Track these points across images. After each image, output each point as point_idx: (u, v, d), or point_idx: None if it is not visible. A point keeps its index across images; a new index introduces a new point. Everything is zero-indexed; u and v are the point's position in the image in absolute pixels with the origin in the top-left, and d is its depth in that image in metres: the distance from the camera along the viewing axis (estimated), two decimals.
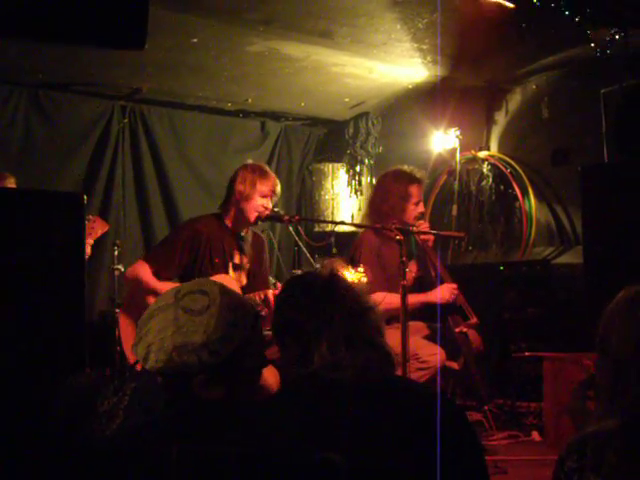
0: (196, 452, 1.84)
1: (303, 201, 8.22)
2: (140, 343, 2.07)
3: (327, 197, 7.76)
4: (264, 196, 4.60)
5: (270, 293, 4.36)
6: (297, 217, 4.89)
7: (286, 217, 4.72)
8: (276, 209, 5.39)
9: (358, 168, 7.76)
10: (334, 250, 7.67)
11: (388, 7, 5.16)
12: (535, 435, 5.33)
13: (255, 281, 4.70)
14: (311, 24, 5.38)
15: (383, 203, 5.14)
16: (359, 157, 7.77)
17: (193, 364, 2.00)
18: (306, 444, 1.79)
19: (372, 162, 7.79)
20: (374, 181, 7.67)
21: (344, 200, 7.77)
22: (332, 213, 7.72)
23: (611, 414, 1.80)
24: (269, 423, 1.91)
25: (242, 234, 4.71)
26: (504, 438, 5.30)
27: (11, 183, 4.63)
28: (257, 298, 4.41)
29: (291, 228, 6.32)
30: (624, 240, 5.42)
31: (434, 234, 5.00)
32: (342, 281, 2.19)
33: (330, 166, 7.83)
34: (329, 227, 7.68)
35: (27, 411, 2.26)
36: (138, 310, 4.50)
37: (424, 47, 5.87)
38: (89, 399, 2.09)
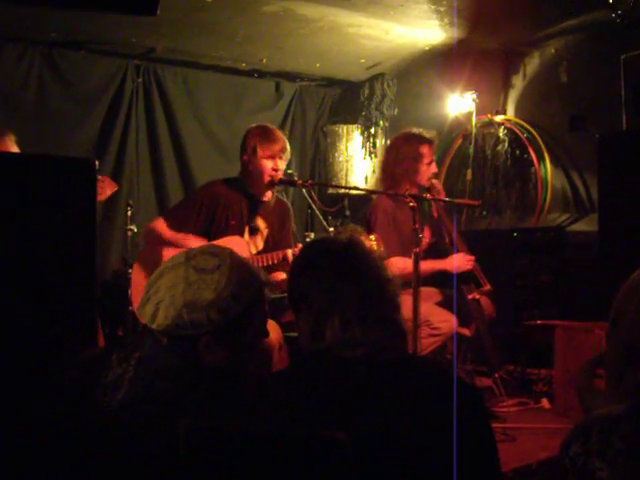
0: (204, 428, 1.85)
1: (317, 162, 8.19)
2: (148, 303, 2.09)
3: (341, 159, 7.71)
4: (270, 157, 4.56)
5: (290, 252, 4.34)
6: (310, 181, 4.87)
7: (299, 181, 4.69)
8: (290, 171, 5.37)
9: (373, 130, 7.69)
10: (347, 212, 7.67)
11: None
12: (545, 402, 5.32)
13: (275, 246, 4.67)
14: None
15: (396, 166, 5.13)
16: (374, 119, 7.70)
17: (201, 322, 2.04)
18: (316, 423, 1.78)
19: (387, 124, 7.72)
20: (389, 143, 7.64)
21: (358, 162, 7.70)
22: (346, 175, 7.67)
23: (619, 398, 1.78)
24: (279, 400, 1.90)
25: (264, 199, 4.69)
26: (514, 405, 5.29)
27: (11, 140, 4.57)
28: (274, 258, 4.40)
29: (304, 191, 6.33)
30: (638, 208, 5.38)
31: (448, 201, 4.96)
32: (360, 251, 2.13)
33: (345, 128, 7.75)
34: (343, 190, 7.65)
35: (35, 380, 2.26)
36: (153, 264, 4.52)
37: (441, 9, 5.79)
38: (94, 371, 2.09)
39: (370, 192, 5.10)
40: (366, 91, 7.79)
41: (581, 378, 2.32)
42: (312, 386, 1.89)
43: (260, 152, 4.52)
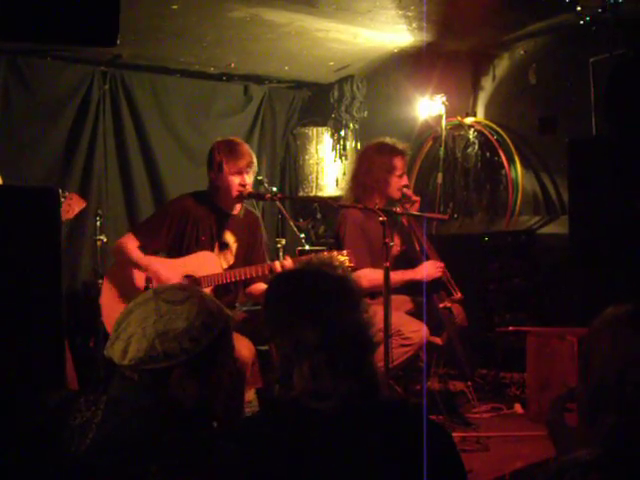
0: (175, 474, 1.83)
1: (287, 165, 8.12)
2: (117, 340, 2.07)
3: (311, 161, 7.68)
4: (237, 173, 4.53)
5: (278, 265, 4.31)
6: (280, 195, 4.84)
7: (268, 195, 4.67)
8: (260, 177, 5.34)
9: (343, 132, 7.67)
10: (319, 215, 7.66)
11: None
12: (518, 408, 5.35)
13: (245, 260, 4.65)
14: None
15: (367, 176, 5.11)
16: (344, 121, 7.67)
17: (175, 352, 2.01)
18: (285, 476, 1.75)
19: (357, 126, 7.69)
20: (359, 146, 7.61)
21: (329, 164, 7.69)
22: (316, 178, 7.65)
23: (590, 441, 1.76)
24: (248, 450, 1.86)
25: (233, 213, 4.65)
26: (487, 411, 5.31)
27: None
28: (260, 272, 4.38)
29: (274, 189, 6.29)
30: (609, 213, 5.41)
31: (417, 215, 4.95)
32: (329, 291, 2.03)
33: (315, 130, 7.73)
34: (313, 192, 7.63)
35: None
36: (122, 280, 4.51)
37: (409, 14, 5.75)
38: (62, 415, 2.05)
39: (340, 206, 5.06)
40: (335, 93, 7.75)
41: (552, 413, 2.31)
42: (281, 438, 1.85)
43: (226, 168, 4.49)
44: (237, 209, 4.67)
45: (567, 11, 5.64)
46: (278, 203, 4.86)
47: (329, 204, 6.45)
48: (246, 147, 4.64)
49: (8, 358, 2.34)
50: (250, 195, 4.59)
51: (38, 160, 6.41)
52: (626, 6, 5.20)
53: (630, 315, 1.84)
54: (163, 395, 2.04)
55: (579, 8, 5.16)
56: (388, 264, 4.00)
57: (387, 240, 4.01)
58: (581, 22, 5.23)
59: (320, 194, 7.63)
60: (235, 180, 4.50)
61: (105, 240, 5.93)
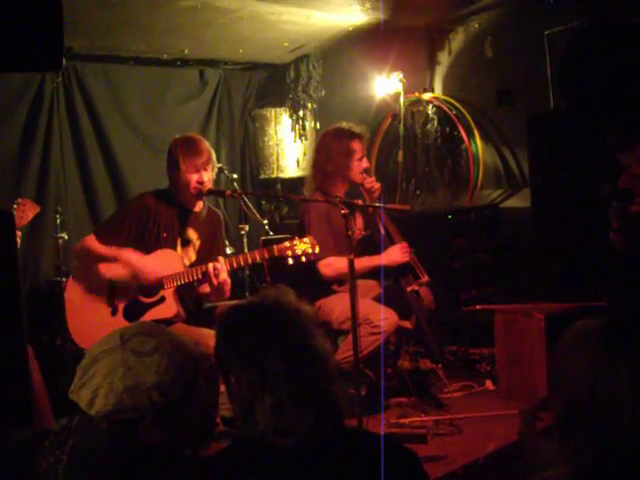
0: None
1: (247, 148, 8.06)
2: (84, 387, 2.03)
3: (271, 143, 7.63)
4: (195, 171, 4.47)
5: (210, 266, 4.27)
6: (240, 191, 4.81)
7: (227, 191, 4.64)
8: (219, 164, 5.28)
9: (301, 112, 7.61)
10: (280, 196, 7.62)
11: None
12: (489, 384, 5.38)
13: (206, 257, 4.59)
14: None
15: (327, 163, 5.08)
16: (302, 101, 7.61)
17: (144, 405, 2.00)
18: None
19: (315, 106, 7.64)
20: (318, 125, 7.57)
21: (289, 145, 7.64)
22: (277, 159, 7.60)
23: (563, 457, 1.77)
24: None
25: (195, 210, 4.61)
26: (458, 389, 5.33)
27: None
28: (198, 272, 4.35)
29: (235, 184, 6.24)
30: (570, 185, 5.44)
31: (378, 207, 4.92)
32: (287, 317, 1.99)
33: (273, 111, 7.67)
34: (274, 174, 7.59)
35: None
36: (89, 281, 4.46)
37: None
38: (26, 458, 2.02)
39: (302, 200, 5.03)
40: (292, 73, 7.68)
41: (523, 423, 2.31)
42: (246, 475, 1.83)
43: (183, 166, 4.42)
44: (199, 206, 4.63)
45: None
46: (240, 199, 4.80)
47: (291, 200, 6.41)
48: (205, 144, 4.57)
49: None
50: (209, 192, 4.54)
51: None
52: None
53: (602, 329, 1.84)
54: (131, 440, 2.01)
55: None
56: (352, 256, 3.96)
57: (349, 233, 3.98)
58: (535, 2, 5.18)
59: (282, 175, 7.59)
60: (193, 177, 4.44)
61: (66, 237, 5.85)
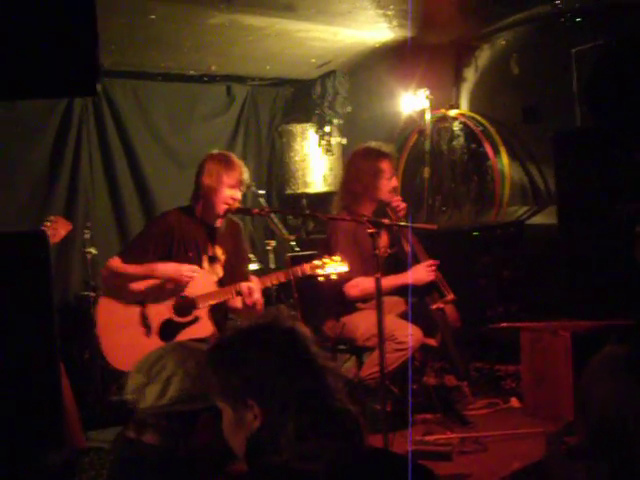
0: None
1: (274, 164, 8.10)
2: (152, 383, 2.06)
3: (297, 158, 7.66)
4: (232, 187, 4.52)
5: (244, 286, 4.33)
6: (267, 209, 4.84)
7: (255, 210, 4.68)
8: (251, 183, 5.33)
9: (327, 128, 7.62)
10: (307, 211, 7.64)
11: None
12: (514, 402, 5.37)
13: (232, 272, 4.65)
14: None
15: (356, 183, 5.11)
16: (328, 117, 7.62)
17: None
18: None
19: (341, 122, 7.66)
20: (344, 141, 7.60)
21: (315, 160, 7.66)
22: (303, 175, 7.62)
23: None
24: None
25: (216, 225, 4.63)
26: (484, 407, 5.33)
27: None
28: (232, 292, 4.39)
29: (262, 200, 6.29)
30: (597, 202, 5.43)
31: (403, 226, 4.95)
32: (304, 340, 1.98)
33: (299, 127, 7.70)
34: (300, 189, 7.61)
35: None
36: (119, 300, 4.49)
37: (389, 13, 5.76)
38: (67, 477, 2.06)
39: (329, 218, 5.05)
40: (318, 89, 7.70)
41: (550, 448, 2.32)
42: None
43: (225, 179, 4.47)
44: (220, 221, 4.65)
45: (546, 2, 5.64)
46: (267, 217, 4.83)
47: (318, 218, 6.43)
48: (240, 162, 4.63)
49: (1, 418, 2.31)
50: (238, 210, 4.58)
51: (22, 178, 6.39)
52: None
53: (627, 357, 1.86)
54: (182, 444, 2.03)
55: (557, 2, 5.13)
56: (379, 275, 3.98)
57: (376, 252, 3.99)
58: (561, 19, 5.19)
59: (308, 191, 7.61)
60: (227, 192, 4.49)
61: (95, 252, 5.91)
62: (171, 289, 4.44)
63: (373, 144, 5.22)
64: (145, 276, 4.42)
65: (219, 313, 4.57)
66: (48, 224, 4.49)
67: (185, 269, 4.38)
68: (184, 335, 4.37)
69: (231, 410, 1.94)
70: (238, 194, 4.56)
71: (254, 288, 4.32)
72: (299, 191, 7.64)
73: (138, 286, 4.46)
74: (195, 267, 4.42)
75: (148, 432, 2.05)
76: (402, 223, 4.98)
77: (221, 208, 4.51)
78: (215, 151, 4.72)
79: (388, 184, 5.12)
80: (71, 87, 2.44)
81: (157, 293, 4.44)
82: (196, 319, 4.41)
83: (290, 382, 1.87)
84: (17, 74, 2.30)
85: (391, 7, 5.61)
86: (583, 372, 1.93)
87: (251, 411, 1.88)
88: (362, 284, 4.88)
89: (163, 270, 4.40)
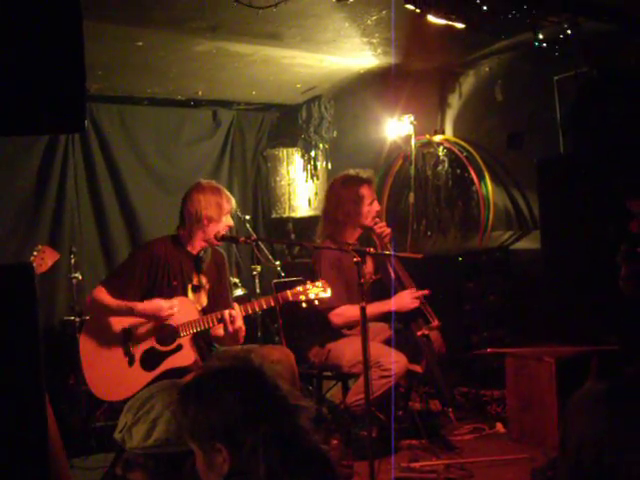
0: None
1: (259, 188, 8.13)
2: (138, 423, 2.06)
3: (283, 183, 7.69)
4: (227, 214, 4.55)
5: (226, 314, 4.33)
6: (254, 237, 4.86)
7: (241, 238, 4.69)
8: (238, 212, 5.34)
9: (313, 153, 7.67)
10: (292, 236, 7.67)
11: (335, 8, 5.05)
12: (499, 427, 5.39)
13: (216, 301, 4.66)
14: (258, 28, 5.27)
15: (337, 211, 5.13)
16: (313, 142, 7.67)
17: None
18: None
19: (327, 146, 7.71)
20: (330, 166, 7.64)
21: (300, 185, 7.70)
22: (289, 199, 7.66)
23: None
24: None
25: (200, 254, 4.65)
26: (469, 432, 5.34)
27: None
28: (214, 319, 4.39)
29: (248, 225, 6.32)
30: (580, 228, 5.47)
31: (388, 255, 4.98)
32: (272, 380, 1.97)
33: (285, 151, 7.74)
34: (286, 213, 7.64)
35: None
36: (102, 333, 4.47)
37: (374, 41, 5.80)
38: None
39: (314, 247, 5.07)
40: (304, 114, 7.75)
41: None
42: None
43: (226, 208, 4.51)
44: (204, 250, 4.67)
45: (529, 30, 5.68)
46: (253, 245, 4.86)
47: (305, 247, 6.46)
48: (226, 190, 4.67)
49: None
50: (223, 238, 4.59)
51: (9, 200, 6.39)
52: (587, 26, 5.24)
53: (606, 393, 1.87)
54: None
55: (540, 36, 5.19)
56: (364, 303, 4.00)
57: (362, 281, 4.00)
58: (544, 44, 5.25)
59: (293, 215, 7.64)
60: (226, 221, 4.53)
61: (80, 277, 5.90)
62: (152, 323, 4.45)
63: (351, 171, 5.26)
64: (125, 312, 4.41)
65: (202, 341, 4.58)
66: (36, 254, 4.49)
67: (164, 309, 4.36)
68: (167, 364, 4.37)
69: (201, 453, 1.93)
70: (231, 221, 4.61)
71: (236, 316, 4.32)
72: (285, 215, 7.67)
73: (121, 319, 4.46)
74: (175, 303, 4.40)
75: (136, 471, 2.06)
76: (387, 252, 5.00)
77: (214, 237, 4.53)
78: (203, 181, 4.70)
79: (370, 209, 5.15)
80: (58, 123, 2.44)
81: (139, 324, 4.44)
82: (179, 347, 4.40)
83: (257, 425, 1.86)
84: (0, 110, 2.29)
85: (375, 35, 5.66)
86: (565, 408, 1.95)
87: (220, 454, 1.87)
88: (346, 313, 4.92)
89: (142, 310, 4.38)
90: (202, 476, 1.93)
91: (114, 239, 6.96)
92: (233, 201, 4.63)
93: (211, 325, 4.41)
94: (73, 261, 5.92)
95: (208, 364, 2.04)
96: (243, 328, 4.36)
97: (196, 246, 4.60)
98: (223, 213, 4.54)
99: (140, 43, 5.53)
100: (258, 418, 1.86)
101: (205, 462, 1.91)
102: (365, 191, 5.13)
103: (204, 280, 4.67)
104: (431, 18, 4.73)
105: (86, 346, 4.48)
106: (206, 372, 2.00)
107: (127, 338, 4.44)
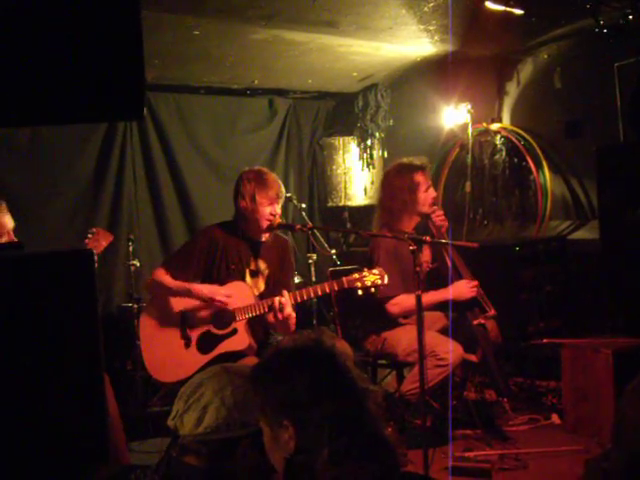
0: None
1: (315, 177, 8.14)
2: (189, 411, 2.09)
3: (339, 171, 7.69)
4: (269, 204, 4.54)
5: (276, 301, 4.33)
6: (310, 225, 4.85)
7: (298, 226, 4.69)
8: (288, 194, 5.32)
9: (369, 141, 7.65)
10: (348, 225, 7.66)
11: None
12: (555, 418, 5.32)
13: (275, 285, 4.66)
14: (314, 16, 5.27)
15: (393, 200, 5.09)
16: (370, 130, 7.65)
17: (251, 423, 2.04)
18: None
19: (383, 135, 7.68)
20: (386, 154, 7.61)
21: (356, 173, 7.69)
22: (345, 187, 7.66)
23: None
24: None
25: (262, 239, 4.67)
26: (524, 423, 5.29)
27: (2, 210, 4.48)
28: (265, 306, 4.41)
29: (304, 214, 6.33)
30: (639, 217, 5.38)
31: (445, 244, 4.94)
32: (344, 363, 1.96)
33: (341, 140, 7.74)
34: (342, 202, 7.64)
35: None
36: (163, 314, 4.54)
37: (431, 28, 5.77)
38: None
39: (370, 235, 5.04)
40: (360, 102, 7.73)
41: (587, 474, 2.30)
42: None
43: (259, 199, 4.49)
44: (266, 236, 4.67)
45: (589, 16, 5.60)
46: (309, 234, 4.85)
47: (360, 235, 6.43)
48: (274, 176, 4.64)
49: (45, 436, 2.32)
50: (280, 226, 4.59)
51: (67, 189, 6.51)
52: None
53: None
54: (225, 469, 2.05)
55: (601, 21, 5.10)
56: (420, 292, 3.98)
57: (418, 269, 3.98)
58: (604, 30, 5.16)
59: (349, 204, 7.64)
60: (266, 210, 4.51)
61: (138, 264, 5.98)
62: (209, 307, 4.49)
63: (405, 159, 5.20)
64: (183, 293, 4.46)
65: (257, 326, 4.60)
66: (90, 236, 4.53)
67: (220, 293, 4.40)
68: (222, 348, 4.41)
69: (269, 429, 1.95)
70: (277, 209, 4.58)
71: (285, 303, 4.32)
72: (341, 204, 7.67)
73: (179, 300, 4.50)
74: (231, 292, 4.46)
75: (190, 455, 2.08)
76: (443, 240, 4.97)
77: (264, 224, 4.54)
78: (246, 168, 4.71)
79: (427, 196, 5.10)
80: (118, 111, 2.47)
81: (196, 307, 4.49)
82: (234, 331, 4.44)
83: (324, 404, 1.87)
84: (62, 98, 2.32)
85: (432, 22, 5.62)
86: (621, 396, 1.90)
87: (286, 431, 1.88)
88: (404, 302, 4.88)
89: (199, 291, 4.43)
90: (268, 451, 1.94)
91: (171, 226, 7.04)
92: (276, 190, 4.57)
93: (263, 311, 4.41)
94: (131, 248, 5.99)
95: (282, 343, 2.04)
96: (293, 315, 4.35)
97: (253, 232, 4.61)
98: (260, 204, 4.50)
99: (196, 32, 5.57)
100: (326, 397, 1.87)
101: (272, 439, 1.93)
102: (420, 178, 5.08)
103: (263, 265, 4.68)
104: (489, 4, 4.68)
105: (146, 328, 4.55)
106: (279, 350, 2.01)
107: (184, 321, 4.49)
